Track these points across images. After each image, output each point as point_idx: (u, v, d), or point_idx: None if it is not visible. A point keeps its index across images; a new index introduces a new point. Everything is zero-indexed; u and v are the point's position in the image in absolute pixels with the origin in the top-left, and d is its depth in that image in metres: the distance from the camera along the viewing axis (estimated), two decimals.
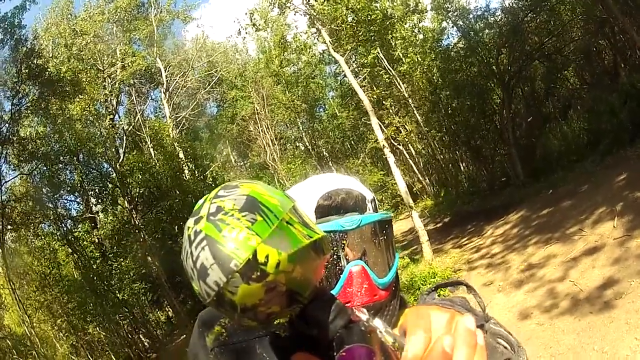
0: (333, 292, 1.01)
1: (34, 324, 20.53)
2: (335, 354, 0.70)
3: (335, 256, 1.05)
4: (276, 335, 0.98)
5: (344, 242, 1.05)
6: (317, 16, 17.51)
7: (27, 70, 19.67)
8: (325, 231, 0.80)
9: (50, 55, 23.36)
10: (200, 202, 0.75)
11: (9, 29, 19.22)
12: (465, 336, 0.68)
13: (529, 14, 20.04)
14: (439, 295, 1.27)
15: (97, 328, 22.80)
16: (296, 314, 0.76)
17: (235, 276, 0.65)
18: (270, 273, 0.66)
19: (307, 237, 0.71)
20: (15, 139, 20.11)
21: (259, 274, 0.66)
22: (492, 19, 22.48)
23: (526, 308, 8.03)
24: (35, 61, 20.16)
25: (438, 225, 22.32)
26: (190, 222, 0.73)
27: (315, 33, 18.55)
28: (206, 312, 1.17)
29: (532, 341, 6.67)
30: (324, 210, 1.10)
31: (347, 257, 1.05)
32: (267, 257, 0.66)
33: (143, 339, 24.10)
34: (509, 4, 21.70)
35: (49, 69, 21.17)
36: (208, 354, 1.09)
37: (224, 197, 0.72)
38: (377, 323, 0.73)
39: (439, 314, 0.78)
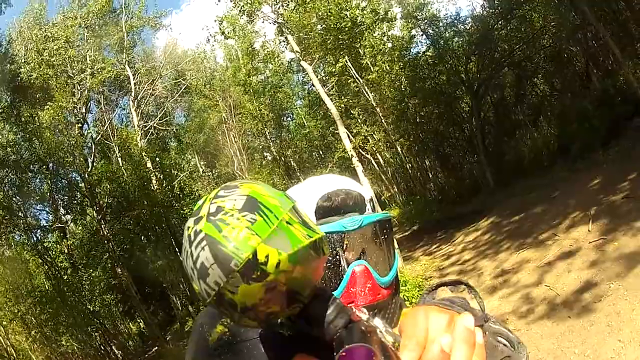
0: (336, 292, 1.03)
1: (9, 335, 20.93)
2: (335, 353, 0.67)
3: (337, 257, 1.05)
4: (279, 335, 0.89)
5: (346, 242, 1.06)
6: (286, 24, 17.47)
7: (0, 75, 19.51)
8: (327, 232, 0.86)
9: (23, 61, 23.19)
10: (200, 202, 0.73)
11: None
12: (463, 335, 0.68)
13: (500, 22, 20.20)
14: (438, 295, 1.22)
15: (70, 340, 22.84)
16: (296, 314, 0.74)
17: (236, 276, 0.64)
18: (271, 273, 0.65)
19: (307, 237, 0.69)
20: None
21: (259, 273, 0.64)
22: (462, 27, 22.70)
23: (501, 314, 7.94)
24: (8, 66, 19.98)
25: (407, 233, 22.42)
26: (190, 222, 0.71)
27: (284, 41, 18.51)
28: (206, 312, 1.19)
29: None
30: (324, 211, 1.11)
31: (349, 257, 1.06)
32: (267, 257, 0.64)
33: (115, 351, 24.07)
34: (480, 12, 21.89)
35: (21, 75, 21.06)
36: (210, 354, 1.10)
37: (224, 197, 0.70)
38: (377, 323, 0.73)
39: (438, 316, 0.77)
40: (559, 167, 15.35)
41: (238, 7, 18.04)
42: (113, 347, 23.92)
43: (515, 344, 0.97)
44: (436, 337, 0.69)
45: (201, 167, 38.66)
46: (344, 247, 1.06)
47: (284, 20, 17.65)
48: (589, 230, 8.74)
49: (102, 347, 23.64)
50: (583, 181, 11.89)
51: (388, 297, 1.09)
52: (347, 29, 19.26)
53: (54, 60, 22.94)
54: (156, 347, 21.93)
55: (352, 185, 1.18)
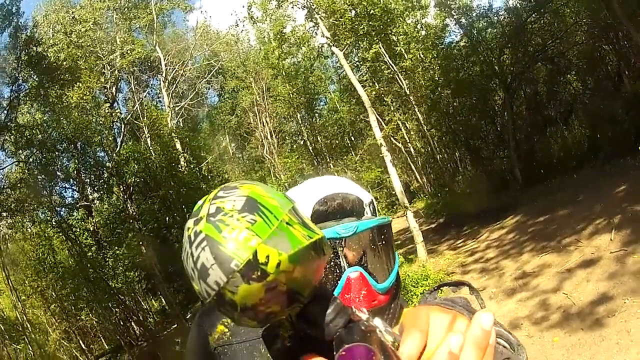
0: None
1: (27, 310, 20.96)
2: (335, 353, 0.67)
3: (332, 263, 1.07)
4: (279, 335, 0.94)
5: (341, 249, 1.07)
6: (316, 9, 17.35)
7: (26, 58, 19.67)
8: None
9: (50, 43, 23.27)
10: (200, 203, 0.73)
11: (8, 16, 19.17)
12: (476, 337, 0.64)
13: (533, 15, 19.91)
14: (441, 292, 1.25)
15: (90, 315, 23.06)
16: (296, 314, 0.76)
17: (236, 276, 0.64)
18: (271, 273, 0.65)
19: (307, 238, 0.70)
20: (13, 126, 20.10)
21: (259, 274, 0.64)
22: (495, 18, 22.33)
23: (517, 318, 7.91)
24: (34, 48, 20.15)
25: (434, 225, 22.31)
26: (190, 223, 0.72)
27: (314, 27, 18.40)
28: (206, 312, 1.22)
29: None
30: (320, 216, 1.11)
31: (344, 263, 1.07)
32: (267, 257, 0.64)
33: (135, 327, 24.08)
34: (513, 4, 21.57)
35: (48, 57, 21.17)
36: (210, 353, 1.13)
37: (223, 198, 0.71)
38: (377, 322, 0.73)
39: (439, 315, 0.77)
40: (588, 169, 15.14)
41: None
42: (132, 323, 24.09)
43: (514, 346, 1.01)
44: (444, 338, 0.67)
45: (231, 149, 38.73)
46: (339, 254, 1.07)
47: (313, 5, 17.54)
48: (611, 240, 8.64)
49: (122, 323, 23.83)
50: (610, 186, 11.73)
51: (386, 303, 1.10)
52: (378, 15, 19.10)
53: (82, 42, 23.08)
54: (175, 325, 22.08)
55: (350, 188, 1.19)
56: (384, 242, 1.13)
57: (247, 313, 0.68)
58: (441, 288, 1.24)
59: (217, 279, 0.65)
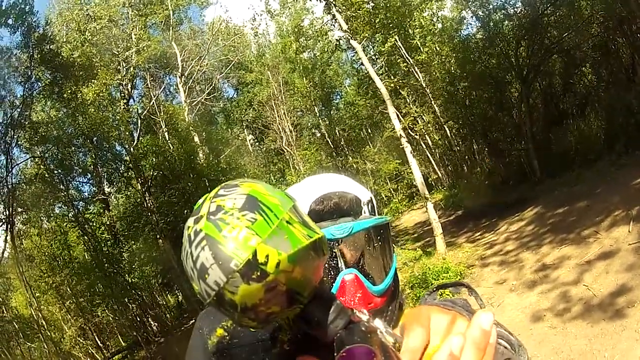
0: None
1: (42, 306, 20.73)
2: (335, 354, 0.69)
3: (327, 264, 1.05)
4: (278, 339, 1.00)
5: (336, 250, 1.06)
6: (333, 2, 17.38)
7: (39, 56, 19.76)
8: None
9: (64, 40, 23.34)
10: (200, 201, 0.75)
11: (21, 15, 19.31)
12: (476, 337, 0.67)
13: (549, 7, 19.81)
14: (440, 296, 1.28)
15: (106, 311, 23.06)
16: (296, 314, 0.76)
17: (236, 276, 0.66)
18: (271, 273, 0.66)
19: (307, 237, 0.72)
20: (27, 123, 20.26)
21: (259, 273, 0.66)
22: (512, 10, 22.24)
23: (539, 310, 8.00)
24: (47, 46, 20.22)
25: (452, 217, 22.16)
26: (190, 221, 0.73)
27: (332, 19, 18.44)
28: (206, 313, 1.21)
29: (543, 345, 6.69)
30: (316, 215, 1.09)
31: (340, 265, 1.06)
32: (267, 257, 0.66)
33: (152, 323, 24.03)
34: None
35: (62, 54, 21.22)
36: (209, 357, 1.12)
37: (224, 197, 0.72)
38: (378, 323, 0.74)
39: (439, 316, 0.78)
40: (605, 161, 15.02)
41: None
42: (149, 318, 24.05)
43: (515, 347, 1.03)
44: (444, 338, 0.70)
45: (249, 142, 38.75)
46: (334, 255, 1.06)
47: None
48: (629, 231, 8.70)
49: (138, 318, 23.78)
50: (627, 178, 11.69)
51: (383, 305, 1.09)
52: (395, 7, 19.10)
53: (96, 39, 23.13)
54: (193, 320, 21.99)
55: (349, 187, 1.18)
56: (380, 243, 1.12)
57: (247, 313, 0.70)
58: (440, 289, 1.28)
59: (217, 278, 0.66)
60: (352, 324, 0.76)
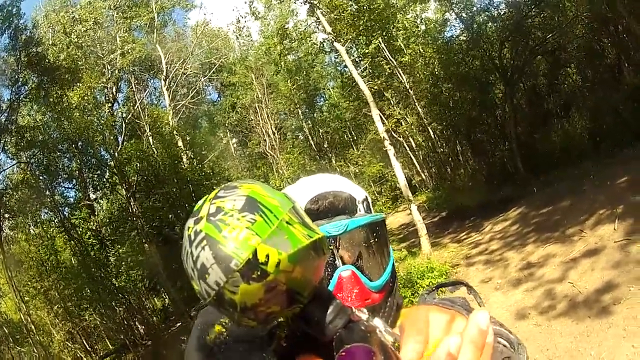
0: None
1: (31, 311, 20.75)
2: (335, 353, 0.69)
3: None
4: (277, 335, 0.96)
5: (332, 247, 1.06)
6: (317, 4, 17.37)
7: (26, 59, 19.66)
8: None
9: (50, 43, 23.27)
10: (200, 202, 0.74)
11: (8, 17, 19.17)
12: (473, 336, 0.65)
13: (533, 9, 19.91)
14: (438, 295, 1.25)
15: (93, 314, 23.10)
16: (296, 314, 0.76)
17: (236, 276, 0.65)
18: (271, 273, 0.66)
19: (307, 237, 0.70)
20: (13, 127, 20.11)
21: (259, 273, 0.65)
22: (496, 12, 22.33)
23: (523, 308, 8.03)
24: (34, 49, 20.12)
25: (436, 218, 22.32)
26: (190, 222, 0.72)
27: (316, 22, 18.41)
28: (205, 311, 1.18)
29: (528, 342, 6.57)
30: (312, 215, 1.06)
31: (336, 262, 1.06)
32: (267, 256, 0.65)
33: (139, 326, 24.09)
34: None
35: (48, 57, 21.15)
36: (207, 353, 1.10)
37: (223, 198, 0.71)
38: (377, 322, 0.74)
39: (438, 315, 0.80)
40: (590, 160, 15.10)
41: None
42: (136, 322, 24.13)
43: (515, 345, 1.02)
44: (443, 338, 0.68)
45: (233, 146, 38.73)
46: (333, 252, 1.06)
47: (315, 0, 17.57)
48: (614, 229, 8.70)
49: (125, 322, 23.82)
50: (612, 177, 11.71)
51: (380, 301, 1.09)
52: (379, 10, 19.13)
53: (82, 42, 23.07)
54: (179, 323, 22.06)
55: (343, 186, 1.18)
56: (376, 239, 1.13)
57: (247, 313, 0.70)
58: (440, 288, 1.26)
59: (217, 278, 0.66)
60: (352, 323, 0.75)
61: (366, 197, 1.21)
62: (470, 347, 0.64)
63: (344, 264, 1.06)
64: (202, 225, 0.69)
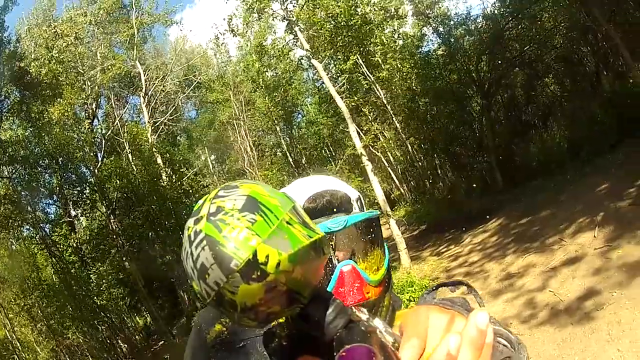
0: None
1: (15, 328, 20.89)
2: (335, 354, 0.67)
3: None
4: (277, 334, 0.97)
5: (332, 243, 1.06)
6: (295, 22, 17.40)
7: (9, 73, 19.52)
8: None
9: (32, 58, 23.17)
10: (200, 202, 0.74)
11: None
12: (473, 336, 0.63)
13: (511, 21, 20.06)
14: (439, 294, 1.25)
15: (76, 333, 22.97)
16: (296, 314, 0.75)
17: (236, 276, 0.64)
18: (271, 273, 0.65)
19: (307, 237, 0.70)
20: None
21: (259, 273, 0.65)
22: (473, 25, 22.49)
23: (505, 318, 7.95)
24: (17, 63, 20.01)
25: (415, 232, 22.31)
26: (190, 222, 0.72)
27: (294, 39, 18.45)
28: (205, 312, 1.22)
29: None
30: (310, 213, 1.04)
31: (337, 257, 1.06)
32: (267, 257, 0.65)
33: (121, 344, 24.35)
34: (491, 11, 21.73)
35: (30, 72, 21.08)
36: (207, 352, 1.12)
37: (224, 197, 0.71)
38: (377, 323, 0.73)
39: (438, 315, 0.79)
40: (568, 169, 15.25)
41: (247, 4, 18.03)
42: (119, 340, 24.19)
43: (515, 345, 1.00)
44: (442, 338, 0.67)
45: (211, 163, 38.70)
46: (332, 248, 1.07)
47: (293, 17, 17.61)
48: (594, 237, 8.72)
49: (108, 341, 23.87)
50: (591, 185, 11.83)
51: (379, 296, 1.09)
52: (357, 26, 19.19)
53: (63, 57, 23.00)
54: (162, 342, 22.01)
55: (338, 186, 1.20)
56: (373, 235, 1.13)
57: (247, 313, 0.69)
58: (440, 288, 1.25)
59: (217, 278, 0.66)
60: (352, 323, 0.74)
61: (359, 196, 1.23)
62: (470, 347, 0.63)
63: (344, 258, 1.07)
64: (202, 225, 0.69)
